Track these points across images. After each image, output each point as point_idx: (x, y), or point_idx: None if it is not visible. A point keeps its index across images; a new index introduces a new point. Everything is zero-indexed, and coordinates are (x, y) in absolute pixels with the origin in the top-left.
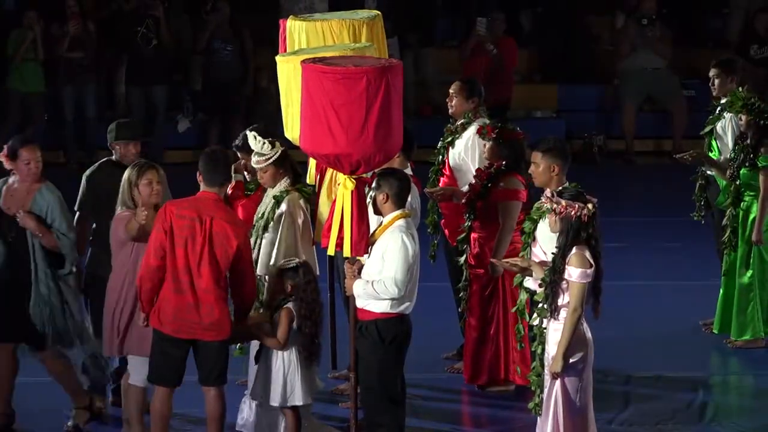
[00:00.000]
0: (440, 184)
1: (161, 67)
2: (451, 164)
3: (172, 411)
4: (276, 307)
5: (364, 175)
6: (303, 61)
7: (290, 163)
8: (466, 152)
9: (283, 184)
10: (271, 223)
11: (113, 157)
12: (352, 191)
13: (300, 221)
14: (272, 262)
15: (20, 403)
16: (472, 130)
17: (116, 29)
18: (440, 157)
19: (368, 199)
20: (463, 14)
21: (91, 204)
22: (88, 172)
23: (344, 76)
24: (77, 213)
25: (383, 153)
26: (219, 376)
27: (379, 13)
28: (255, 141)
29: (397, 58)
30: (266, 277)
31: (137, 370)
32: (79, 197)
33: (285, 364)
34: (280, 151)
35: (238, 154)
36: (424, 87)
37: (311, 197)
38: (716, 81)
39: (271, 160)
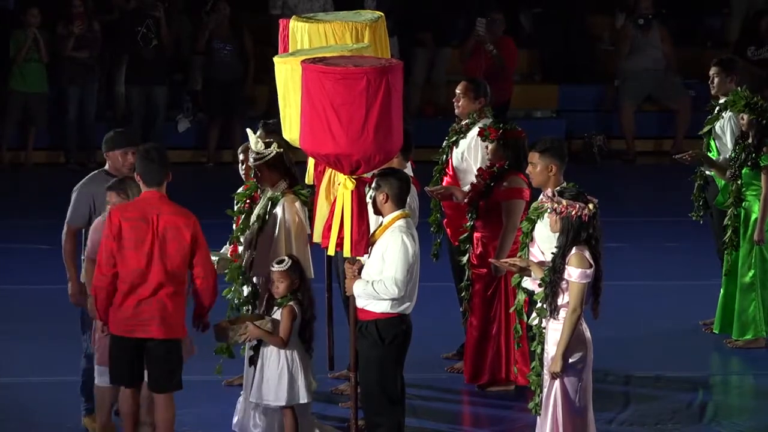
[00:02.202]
0: (443, 184)
1: (161, 67)
2: (454, 164)
3: (139, 408)
4: (271, 307)
5: (364, 175)
6: (303, 62)
7: (285, 166)
8: (469, 152)
9: (279, 186)
10: (266, 225)
11: (106, 167)
12: (352, 191)
13: (295, 224)
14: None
15: (20, 403)
16: (476, 130)
17: (116, 29)
18: (444, 156)
19: (368, 199)
20: (462, 14)
21: (85, 217)
22: (79, 184)
23: (344, 76)
24: (66, 226)
25: (383, 153)
26: (171, 379)
27: (382, 14)
28: (252, 139)
29: (397, 58)
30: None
31: (100, 371)
32: (69, 210)
33: (288, 362)
34: (274, 153)
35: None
36: (429, 87)
37: (308, 200)
38: (716, 80)
39: (262, 160)
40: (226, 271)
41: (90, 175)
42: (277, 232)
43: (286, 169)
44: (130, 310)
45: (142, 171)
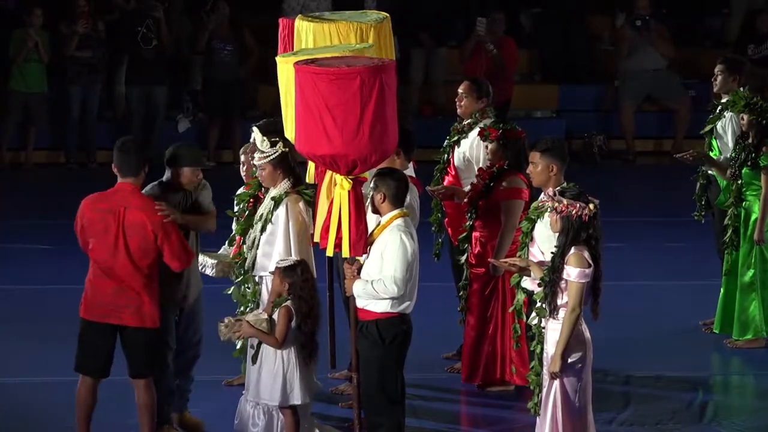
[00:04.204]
0: (445, 183)
1: (161, 67)
2: (455, 164)
3: (96, 401)
4: (275, 306)
5: (361, 175)
6: (296, 63)
7: (289, 165)
8: (471, 152)
9: (283, 185)
10: (269, 224)
11: (167, 179)
12: (348, 191)
13: (298, 223)
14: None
15: (20, 403)
16: (478, 130)
17: (116, 29)
18: (446, 155)
19: (367, 199)
20: (462, 14)
21: None
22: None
23: (338, 77)
24: None
25: (379, 152)
26: (148, 366)
27: (388, 15)
28: (258, 137)
29: (398, 58)
30: (262, 277)
31: None
32: None
33: (284, 363)
34: (279, 152)
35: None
36: (429, 87)
37: (312, 200)
38: (719, 77)
39: (268, 159)
40: (236, 278)
41: (152, 186)
42: (280, 232)
43: (290, 168)
44: (107, 296)
45: (117, 162)
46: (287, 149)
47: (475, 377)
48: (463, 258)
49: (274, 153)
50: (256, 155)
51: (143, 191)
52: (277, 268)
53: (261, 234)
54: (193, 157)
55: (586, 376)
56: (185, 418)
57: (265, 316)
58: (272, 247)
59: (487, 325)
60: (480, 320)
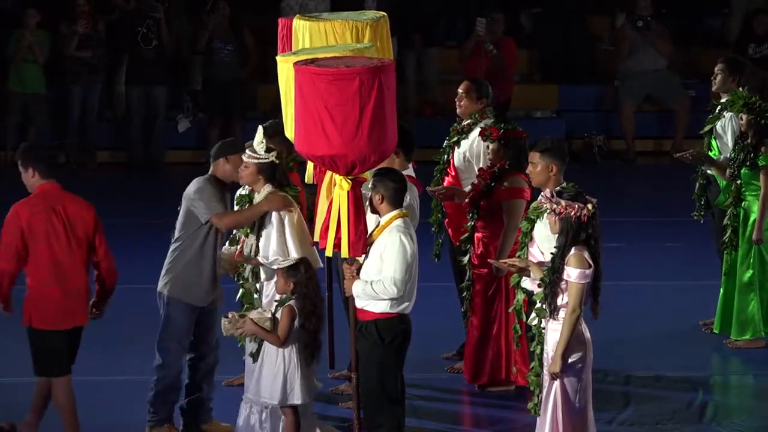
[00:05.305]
0: (444, 184)
1: (161, 67)
2: (456, 164)
3: (74, 396)
4: (279, 304)
5: (361, 176)
6: (296, 63)
7: (273, 176)
8: (471, 152)
9: (266, 189)
10: (265, 225)
11: (214, 174)
12: (348, 192)
13: (293, 219)
14: (267, 261)
15: (20, 403)
16: (478, 130)
17: (116, 29)
18: (446, 156)
19: (366, 200)
20: (462, 14)
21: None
22: (200, 185)
23: (337, 77)
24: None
25: (378, 153)
26: None
27: (385, 14)
28: (258, 138)
29: (395, 58)
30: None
31: None
32: (204, 205)
33: (285, 362)
34: (269, 161)
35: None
36: (425, 87)
37: (295, 197)
38: (719, 76)
39: (255, 161)
40: (238, 279)
41: (201, 180)
42: (273, 231)
43: (272, 179)
44: (59, 303)
45: (41, 165)
46: (278, 161)
47: (480, 378)
48: (466, 259)
49: (264, 159)
50: (248, 151)
51: (200, 186)
52: (280, 268)
53: (257, 237)
54: (239, 145)
55: (586, 376)
56: (214, 425)
57: (269, 314)
58: (268, 249)
59: (490, 326)
60: (483, 321)
